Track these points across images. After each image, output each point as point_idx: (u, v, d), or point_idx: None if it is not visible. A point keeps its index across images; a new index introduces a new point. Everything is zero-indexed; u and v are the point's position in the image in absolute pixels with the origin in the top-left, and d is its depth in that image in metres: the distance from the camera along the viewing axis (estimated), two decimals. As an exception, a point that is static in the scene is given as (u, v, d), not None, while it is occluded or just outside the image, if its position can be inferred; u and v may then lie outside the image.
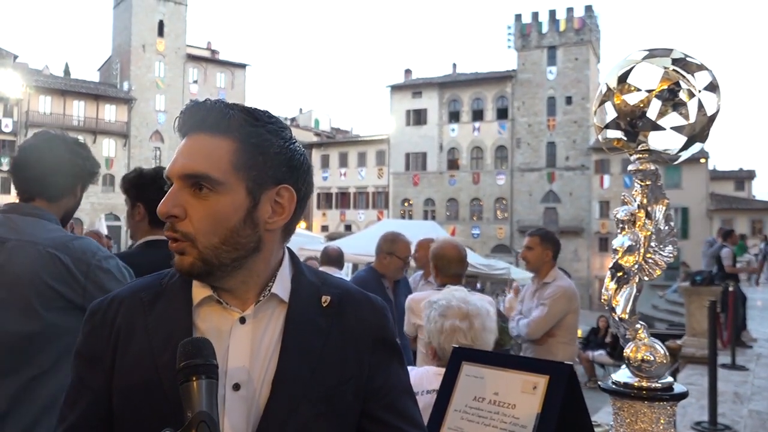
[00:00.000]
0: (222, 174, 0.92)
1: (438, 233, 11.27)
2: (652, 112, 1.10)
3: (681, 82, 1.09)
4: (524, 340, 3.97)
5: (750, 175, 48.87)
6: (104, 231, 10.73)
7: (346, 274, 8.39)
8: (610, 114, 1.17)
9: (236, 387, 0.93)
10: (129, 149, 45.77)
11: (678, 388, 1.14)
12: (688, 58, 1.12)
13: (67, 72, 50.18)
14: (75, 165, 1.85)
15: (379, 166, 48.86)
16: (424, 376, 1.92)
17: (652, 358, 1.14)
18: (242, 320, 0.97)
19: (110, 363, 0.96)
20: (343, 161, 50.19)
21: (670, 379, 1.16)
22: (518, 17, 45.99)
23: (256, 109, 0.99)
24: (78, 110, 44.51)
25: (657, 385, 1.14)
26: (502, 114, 45.63)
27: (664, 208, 1.19)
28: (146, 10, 47.51)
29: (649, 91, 1.10)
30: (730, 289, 7.68)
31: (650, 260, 1.19)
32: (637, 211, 1.20)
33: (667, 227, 1.19)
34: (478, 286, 16.85)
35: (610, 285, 1.21)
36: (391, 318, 1.10)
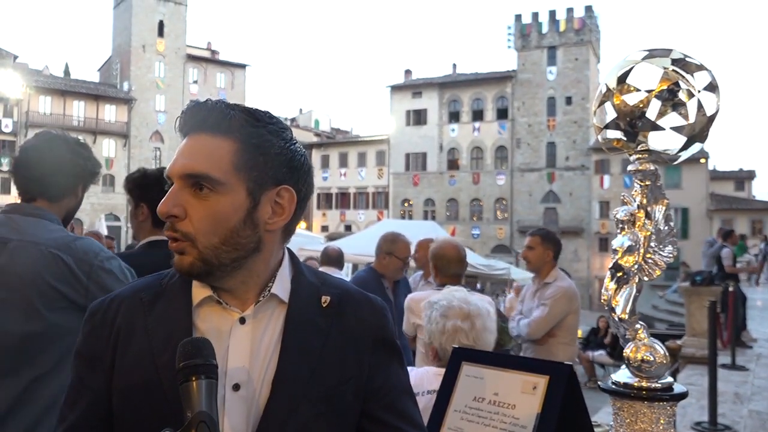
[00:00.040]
0: (223, 174, 0.92)
1: (438, 233, 11.27)
2: (651, 113, 1.10)
3: (680, 83, 1.09)
4: (524, 340, 3.96)
5: (750, 175, 48.86)
6: (104, 231, 10.72)
7: (346, 274, 8.39)
8: (610, 114, 1.17)
9: (236, 387, 0.93)
10: (129, 149, 45.76)
11: (678, 388, 1.14)
12: (687, 59, 1.12)
13: (67, 72, 50.18)
14: (76, 165, 1.86)
15: (379, 166, 48.86)
16: (425, 377, 1.92)
17: (652, 359, 1.14)
18: (242, 320, 0.97)
19: (110, 363, 0.96)
20: (343, 161, 50.20)
21: (669, 379, 1.16)
22: (518, 17, 46.00)
23: (257, 109, 0.99)
24: (78, 110, 44.51)
25: (657, 385, 1.13)
26: (502, 114, 45.63)
27: (663, 208, 1.19)
28: (146, 10, 47.51)
29: (648, 92, 1.10)
30: (730, 289, 7.68)
31: (650, 260, 1.19)
32: (636, 211, 1.20)
33: (666, 227, 1.19)
34: (478, 286, 16.86)
35: (610, 285, 1.21)
36: (390, 318, 1.10)
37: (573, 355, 4.10)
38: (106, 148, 44.23)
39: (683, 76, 1.09)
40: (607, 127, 1.18)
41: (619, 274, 1.20)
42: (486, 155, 45.89)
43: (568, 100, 43.36)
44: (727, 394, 5.63)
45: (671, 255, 1.19)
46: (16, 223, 1.72)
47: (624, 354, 1.18)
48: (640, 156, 1.18)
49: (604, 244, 39.90)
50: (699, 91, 1.09)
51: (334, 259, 5.30)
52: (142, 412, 0.92)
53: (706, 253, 10.01)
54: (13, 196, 1.87)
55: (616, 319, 1.19)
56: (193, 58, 49.96)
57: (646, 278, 1.19)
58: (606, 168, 41.30)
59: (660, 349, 1.15)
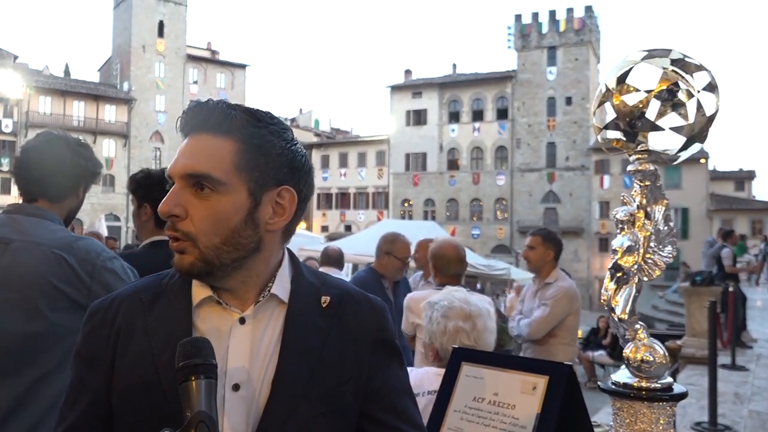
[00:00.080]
0: (224, 174, 0.92)
1: (438, 233, 11.26)
2: (651, 113, 1.10)
3: (680, 83, 1.09)
4: (524, 340, 3.96)
5: (750, 175, 48.87)
6: (104, 231, 10.73)
7: (346, 274, 8.39)
8: (610, 114, 1.17)
9: (236, 387, 0.93)
10: (129, 150, 45.76)
11: (677, 388, 1.14)
12: (686, 59, 1.12)
13: (67, 72, 50.20)
14: (77, 165, 1.86)
15: (379, 166, 48.87)
16: (425, 377, 1.92)
17: (652, 359, 1.14)
18: (242, 321, 0.97)
19: (110, 363, 0.96)
20: (343, 161, 50.20)
21: (669, 379, 1.16)
22: (518, 17, 46.01)
23: (258, 110, 1.00)
24: (78, 111, 44.51)
25: (656, 385, 1.13)
26: (502, 114, 45.64)
27: (663, 208, 1.19)
28: (146, 10, 47.52)
29: (648, 92, 1.10)
30: (730, 289, 7.68)
31: (649, 261, 1.19)
32: (636, 211, 1.20)
33: (666, 227, 1.19)
34: (478, 286, 16.88)
35: (610, 285, 1.21)
36: (390, 319, 1.10)
37: (573, 355, 4.10)
38: (106, 149, 44.23)
39: (683, 77, 1.09)
40: (606, 127, 1.18)
41: (619, 275, 1.20)
42: (486, 155, 45.90)
43: (568, 101, 43.36)
44: (727, 394, 5.63)
45: (671, 255, 1.19)
46: (18, 223, 1.72)
47: (624, 354, 1.18)
48: (640, 156, 1.18)
49: (604, 244, 39.90)
50: (698, 92, 1.09)
51: (334, 259, 5.30)
52: (142, 413, 0.92)
53: (706, 253, 10.01)
54: (14, 196, 1.87)
55: (616, 319, 1.19)
56: (193, 59, 49.97)
57: (645, 278, 1.19)
58: (606, 168, 41.31)
59: (660, 349, 1.15)
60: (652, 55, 1.13)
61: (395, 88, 49.52)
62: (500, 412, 1.32)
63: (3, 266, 1.64)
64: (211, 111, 0.95)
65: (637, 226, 1.19)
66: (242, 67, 53.27)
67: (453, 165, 46.70)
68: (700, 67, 1.11)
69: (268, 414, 0.92)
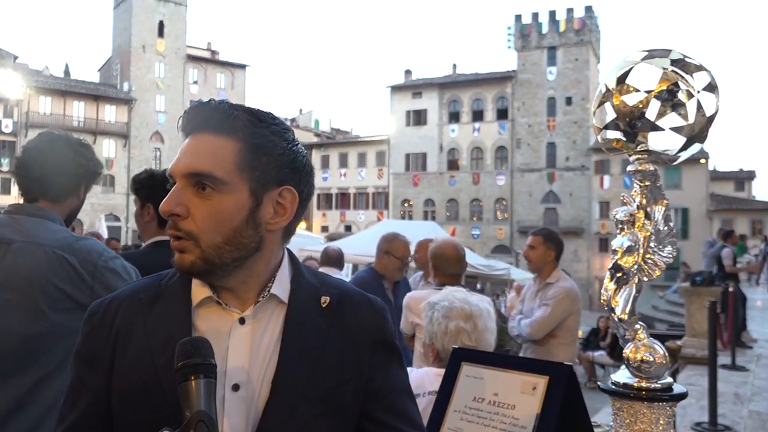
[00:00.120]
0: (226, 174, 0.92)
1: (438, 234, 11.26)
2: (651, 113, 1.10)
3: (680, 83, 1.09)
4: (525, 340, 3.95)
5: (750, 175, 48.87)
6: (104, 231, 10.74)
7: (346, 274, 8.39)
8: (610, 115, 1.17)
9: (235, 387, 0.93)
10: (129, 150, 45.76)
11: (677, 388, 1.14)
12: (686, 59, 1.12)
13: (67, 72, 50.19)
14: (78, 165, 1.86)
15: (379, 166, 48.87)
16: (426, 378, 1.92)
17: (652, 359, 1.14)
18: (241, 321, 0.97)
19: (109, 364, 0.96)
20: (343, 162, 50.20)
21: (669, 379, 1.16)
22: (518, 18, 46.03)
23: (259, 110, 1.00)
24: (78, 111, 44.51)
25: (656, 385, 1.13)
26: (502, 114, 45.64)
27: (663, 208, 1.19)
28: (146, 10, 47.52)
29: (648, 92, 1.10)
30: (730, 289, 7.68)
31: (649, 261, 1.19)
32: (636, 211, 1.20)
33: (666, 228, 1.19)
34: (478, 286, 16.89)
35: (610, 285, 1.20)
36: (390, 319, 1.10)
37: (573, 355, 4.10)
38: (106, 149, 44.23)
39: (683, 77, 1.09)
40: (606, 127, 1.18)
41: (619, 275, 1.20)
42: (486, 155, 45.90)
43: (568, 101, 43.36)
44: (727, 394, 5.63)
45: (671, 255, 1.19)
46: (19, 223, 1.72)
47: (624, 354, 1.18)
48: (640, 156, 1.18)
49: (604, 244, 39.90)
50: (698, 92, 1.09)
51: (334, 259, 5.30)
52: (142, 413, 0.92)
53: (707, 253, 10.02)
54: (14, 197, 1.87)
55: (616, 319, 1.19)
56: (193, 59, 49.97)
57: (645, 279, 1.19)
58: (606, 168, 41.31)
59: (659, 349, 1.15)
60: (652, 55, 1.13)
61: (395, 88, 49.53)
62: (500, 412, 1.31)
63: (5, 267, 1.64)
64: (214, 111, 0.96)
65: (637, 226, 1.19)
66: (242, 67, 53.28)
67: (453, 165, 46.70)
68: (700, 68, 1.11)
69: (267, 414, 0.92)
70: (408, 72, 51.82)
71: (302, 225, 25.49)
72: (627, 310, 1.18)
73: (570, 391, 1.27)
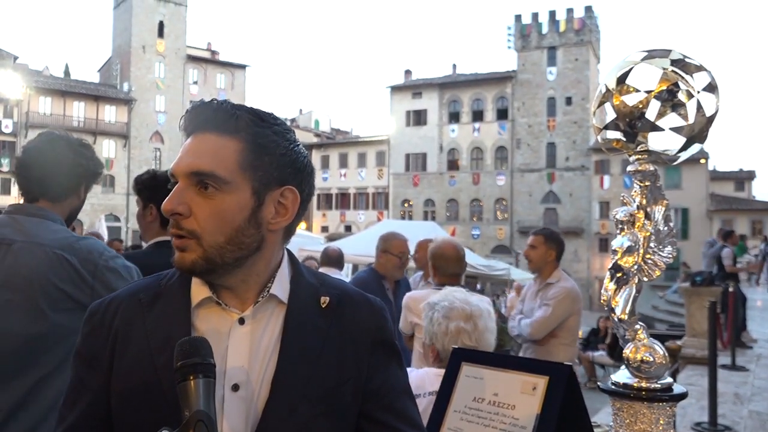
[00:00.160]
0: (228, 173, 0.93)
1: (438, 234, 11.26)
2: (651, 113, 1.10)
3: (680, 83, 1.09)
4: (525, 340, 3.95)
5: (750, 175, 48.87)
6: (104, 232, 10.71)
7: (346, 274, 8.39)
8: (610, 115, 1.17)
9: (235, 388, 0.93)
10: (129, 150, 45.75)
11: (677, 388, 1.14)
12: (686, 59, 1.12)
13: (67, 73, 50.19)
14: (78, 165, 1.86)
15: (379, 166, 48.87)
16: (426, 378, 1.92)
17: (651, 359, 1.14)
18: (241, 321, 0.97)
19: (109, 364, 0.96)
20: (343, 162, 50.20)
21: (669, 379, 1.16)
22: (518, 18, 46.02)
23: (261, 110, 1.00)
24: (78, 111, 44.49)
25: (656, 385, 1.13)
26: (502, 114, 45.64)
27: (663, 208, 1.19)
28: (146, 11, 47.51)
29: (648, 92, 1.10)
30: (730, 289, 7.68)
31: (649, 261, 1.19)
32: (636, 211, 1.20)
33: (666, 228, 1.19)
34: (478, 286, 16.89)
35: (610, 286, 1.21)
36: (389, 319, 1.10)
37: (573, 355, 4.10)
38: (106, 149, 44.20)
39: (683, 77, 1.09)
40: (606, 127, 1.18)
41: (619, 275, 1.20)
42: (486, 156, 45.90)
43: (568, 101, 43.36)
44: (727, 394, 5.63)
45: (671, 255, 1.19)
46: (19, 224, 1.72)
47: (624, 354, 1.18)
48: (640, 157, 1.18)
49: (604, 244, 39.90)
50: (698, 92, 1.10)
51: (334, 259, 5.31)
52: (141, 413, 0.92)
53: (707, 253, 10.03)
54: (14, 197, 1.87)
55: (616, 319, 1.19)
56: (193, 59, 49.96)
57: (645, 279, 1.19)
58: (606, 168, 41.31)
59: (659, 349, 1.15)
60: (652, 55, 1.13)
61: (395, 89, 49.53)
62: (500, 412, 1.31)
63: (5, 267, 1.64)
64: (216, 110, 0.96)
65: (637, 226, 1.20)
66: (242, 67, 53.27)
67: (453, 165, 46.70)
68: (700, 68, 1.11)
69: (267, 414, 0.92)
70: (408, 72, 51.83)
71: (302, 225, 25.49)
72: (627, 311, 1.18)
73: (570, 391, 1.27)
